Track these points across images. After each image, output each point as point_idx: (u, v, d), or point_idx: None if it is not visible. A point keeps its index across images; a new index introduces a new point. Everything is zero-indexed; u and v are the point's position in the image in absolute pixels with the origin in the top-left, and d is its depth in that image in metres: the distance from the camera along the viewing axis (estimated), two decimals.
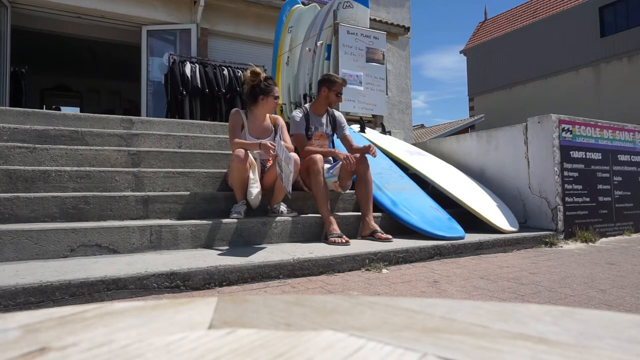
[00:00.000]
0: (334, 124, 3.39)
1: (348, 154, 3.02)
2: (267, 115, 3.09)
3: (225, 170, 3.20)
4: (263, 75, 2.95)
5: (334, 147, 3.48)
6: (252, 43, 8.35)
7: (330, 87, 3.30)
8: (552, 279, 2.21)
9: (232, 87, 7.12)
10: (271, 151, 2.63)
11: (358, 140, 4.08)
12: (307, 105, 3.43)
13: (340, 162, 3.18)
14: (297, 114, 3.31)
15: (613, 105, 14.04)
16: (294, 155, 2.63)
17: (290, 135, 3.25)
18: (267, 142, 2.69)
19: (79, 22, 7.52)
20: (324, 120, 3.35)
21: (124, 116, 4.29)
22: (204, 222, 2.55)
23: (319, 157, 2.93)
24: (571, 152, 3.70)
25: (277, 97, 2.99)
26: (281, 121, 3.12)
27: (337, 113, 3.46)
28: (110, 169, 2.98)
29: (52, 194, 2.49)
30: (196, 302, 0.38)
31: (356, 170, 3.07)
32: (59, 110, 9.79)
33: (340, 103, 4.63)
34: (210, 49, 7.95)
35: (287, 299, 0.40)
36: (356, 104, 4.84)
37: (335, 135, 3.45)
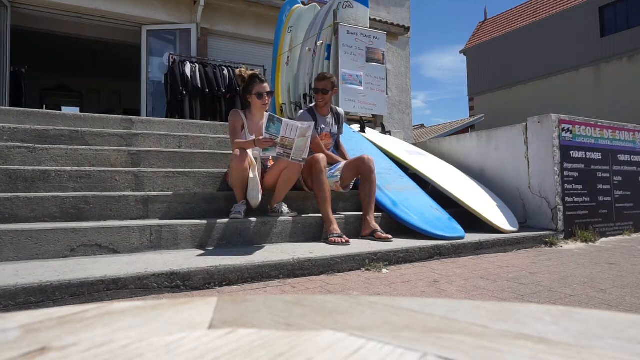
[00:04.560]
0: (338, 120, 3.43)
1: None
2: (267, 114, 3.09)
3: (225, 170, 3.20)
4: (247, 74, 2.95)
5: (337, 146, 3.50)
6: (252, 43, 8.35)
7: (315, 90, 3.33)
8: (552, 279, 2.21)
9: (232, 87, 7.13)
10: (277, 141, 2.58)
11: (358, 141, 4.09)
12: (312, 105, 3.43)
13: (344, 164, 3.20)
14: (306, 113, 3.30)
15: (613, 105, 14.04)
16: (306, 123, 2.62)
17: None
18: (260, 138, 2.62)
19: (79, 22, 7.52)
20: (329, 119, 3.37)
21: (124, 116, 4.28)
22: (204, 222, 2.55)
23: (321, 156, 2.93)
24: (571, 152, 3.70)
25: (259, 94, 2.93)
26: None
27: (340, 110, 3.49)
28: (110, 169, 2.98)
29: (52, 194, 2.49)
30: (196, 302, 0.38)
31: (361, 172, 3.09)
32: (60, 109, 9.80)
33: (340, 102, 4.65)
34: (210, 48, 7.95)
35: (287, 299, 0.40)
36: (356, 104, 4.85)
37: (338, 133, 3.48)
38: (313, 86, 3.42)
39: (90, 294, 1.72)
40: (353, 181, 3.30)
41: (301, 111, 3.41)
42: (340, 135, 3.50)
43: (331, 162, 3.26)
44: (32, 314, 0.35)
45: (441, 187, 3.58)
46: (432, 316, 0.35)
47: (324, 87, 3.25)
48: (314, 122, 2.62)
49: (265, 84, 2.99)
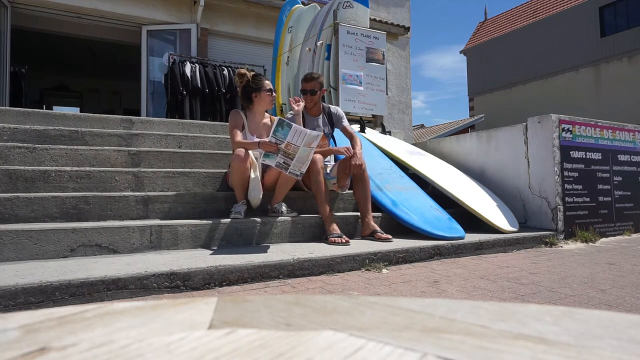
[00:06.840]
0: (331, 120, 3.31)
1: (347, 147, 3.04)
2: (267, 115, 3.10)
3: (225, 170, 3.20)
4: (250, 74, 2.97)
5: (335, 145, 3.47)
6: (252, 43, 8.35)
7: (302, 91, 3.23)
8: (552, 279, 2.21)
9: (232, 87, 7.12)
10: (281, 147, 2.57)
11: None
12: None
13: (337, 163, 3.17)
14: (291, 115, 3.21)
15: (613, 105, 14.04)
16: (315, 132, 2.59)
17: None
18: (265, 140, 2.62)
19: (79, 22, 7.52)
20: (320, 120, 3.27)
21: (124, 116, 4.28)
22: (204, 222, 2.55)
23: (318, 157, 2.91)
24: (571, 152, 3.70)
25: (270, 90, 2.99)
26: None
27: (333, 108, 3.36)
28: (110, 169, 2.98)
29: (52, 194, 2.49)
30: (196, 302, 0.38)
31: (353, 170, 3.06)
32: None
33: (340, 102, 4.65)
34: (210, 49, 7.95)
35: (287, 299, 0.40)
36: (356, 104, 4.85)
37: (334, 132, 3.39)
38: (300, 87, 3.28)
39: (90, 294, 1.73)
40: (349, 180, 3.28)
41: (289, 114, 3.23)
42: (347, 126, 3.24)
43: (327, 154, 3.17)
44: (32, 314, 0.35)
45: (441, 187, 3.58)
46: (432, 316, 0.35)
47: (312, 87, 3.16)
48: (322, 133, 2.58)
49: (268, 80, 3.09)
